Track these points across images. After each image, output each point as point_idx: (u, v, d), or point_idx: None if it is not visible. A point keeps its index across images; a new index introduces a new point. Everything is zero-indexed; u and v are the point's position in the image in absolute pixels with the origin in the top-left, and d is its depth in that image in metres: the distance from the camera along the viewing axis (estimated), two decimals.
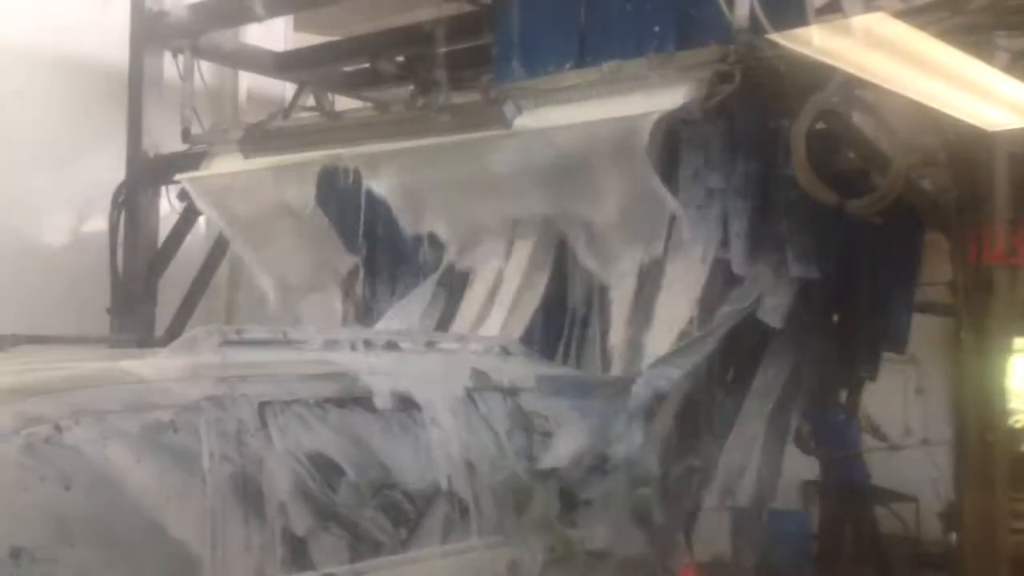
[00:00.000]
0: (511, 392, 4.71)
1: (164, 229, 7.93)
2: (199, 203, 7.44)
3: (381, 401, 4.10)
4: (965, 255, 5.09)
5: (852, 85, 4.77)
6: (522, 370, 4.97)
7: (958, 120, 4.64)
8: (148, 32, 7.84)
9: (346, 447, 3.87)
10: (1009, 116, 4.59)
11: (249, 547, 3.45)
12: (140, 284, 7.82)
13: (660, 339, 5.47)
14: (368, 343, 4.52)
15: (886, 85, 4.35)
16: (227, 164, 7.29)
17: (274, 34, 8.93)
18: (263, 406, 3.70)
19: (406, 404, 4.18)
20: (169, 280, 7.87)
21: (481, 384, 4.59)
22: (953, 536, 7.70)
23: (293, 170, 6.83)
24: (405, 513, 3.98)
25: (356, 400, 4.04)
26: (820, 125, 5.15)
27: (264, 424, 3.67)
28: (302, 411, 3.81)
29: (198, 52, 7.79)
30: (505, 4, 6.38)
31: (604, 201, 5.68)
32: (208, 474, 3.44)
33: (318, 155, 6.67)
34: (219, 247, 7.83)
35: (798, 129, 4.97)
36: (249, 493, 3.51)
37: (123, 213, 7.86)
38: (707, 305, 5.45)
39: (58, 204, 8.40)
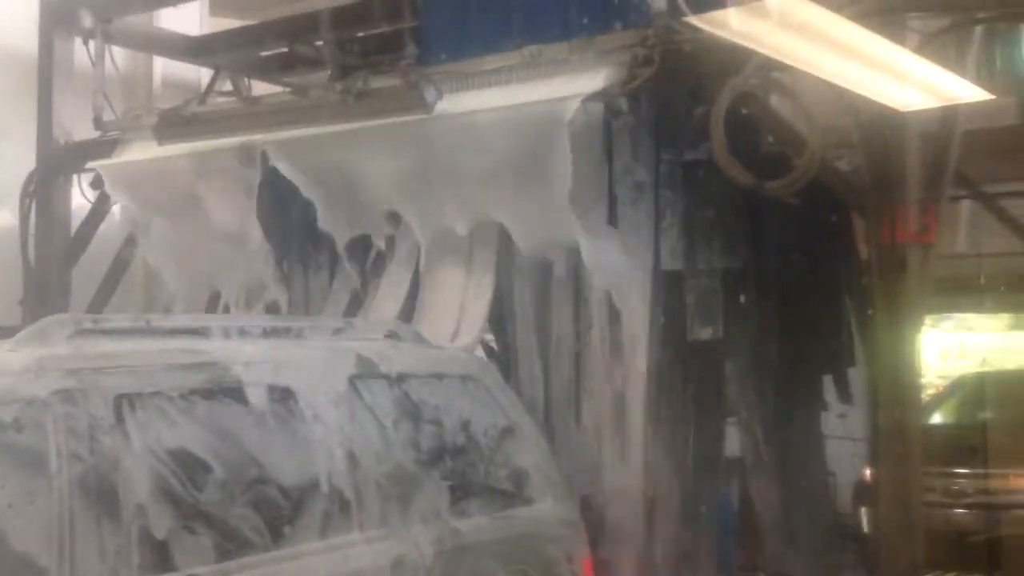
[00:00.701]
0: (398, 380, 4.51)
1: (77, 218, 7.76)
2: (112, 191, 7.29)
3: (253, 392, 3.89)
4: (879, 234, 5.17)
5: (769, 67, 4.83)
6: (412, 357, 4.78)
7: (871, 101, 4.72)
8: (57, 16, 7.66)
9: (213, 442, 3.66)
10: (921, 97, 4.68)
11: (103, 554, 3.23)
12: (53, 274, 7.66)
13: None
14: (243, 330, 4.33)
15: (802, 67, 4.40)
16: (141, 151, 7.16)
17: (189, 18, 8.75)
18: (119, 400, 3.46)
19: (282, 394, 3.98)
20: (83, 270, 7.70)
21: (366, 372, 4.39)
22: (863, 511, 7.92)
23: (209, 156, 6.72)
24: (279, 509, 3.78)
25: (225, 391, 3.81)
26: (744, 111, 5.20)
27: (120, 419, 3.43)
28: (164, 404, 3.58)
29: (110, 37, 7.61)
30: None
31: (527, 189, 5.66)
32: (56, 476, 3.20)
33: (235, 141, 6.57)
34: (134, 235, 7.66)
35: (716, 111, 5.02)
36: (103, 495, 3.29)
37: (34, 202, 7.68)
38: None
39: None
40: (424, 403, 4.56)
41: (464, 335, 5.87)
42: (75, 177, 7.71)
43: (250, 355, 4.06)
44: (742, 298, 5.73)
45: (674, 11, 5.11)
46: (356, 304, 6.44)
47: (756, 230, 5.75)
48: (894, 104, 4.75)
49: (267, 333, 4.45)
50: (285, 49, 8.03)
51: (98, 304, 7.51)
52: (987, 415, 8.79)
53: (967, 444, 7.97)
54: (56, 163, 7.69)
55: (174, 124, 6.82)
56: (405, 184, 6.05)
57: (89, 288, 7.59)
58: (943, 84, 4.58)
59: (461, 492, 4.51)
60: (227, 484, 3.64)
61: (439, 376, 4.75)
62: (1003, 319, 13.25)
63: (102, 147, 7.43)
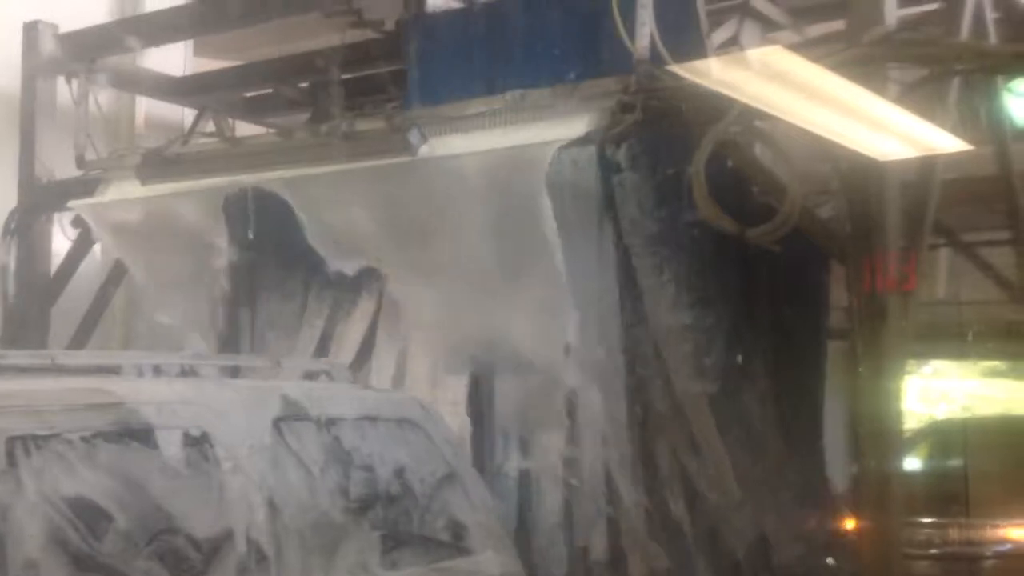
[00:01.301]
0: (328, 423, 4.26)
1: (57, 257, 7.73)
2: (95, 231, 7.26)
3: (164, 436, 3.63)
4: (859, 283, 5.19)
5: (750, 116, 4.86)
6: (345, 398, 4.56)
7: (851, 150, 4.75)
8: (40, 56, 7.67)
9: (117, 489, 3.41)
10: (900, 146, 4.72)
11: None
12: (32, 312, 7.61)
13: None
14: (158, 369, 4.12)
15: (782, 116, 4.44)
16: (124, 191, 7.14)
17: (173, 58, 8.78)
18: (11, 442, 3.22)
19: (196, 438, 3.73)
20: (62, 309, 7.66)
21: (292, 414, 4.14)
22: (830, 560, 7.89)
23: (192, 197, 6.71)
24: (188, 562, 3.54)
25: (133, 434, 3.56)
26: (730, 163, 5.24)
27: (13, 463, 3.20)
28: (63, 448, 3.33)
29: (93, 77, 7.62)
30: (413, 34, 6.38)
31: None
32: None
33: (218, 181, 6.56)
34: (115, 274, 7.64)
35: (697, 158, 5.04)
36: None
37: (15, 240, 7.64)
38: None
39: None
40: (355, 448, 4.30)
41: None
42: (56, 216, 7.68)
43: (163, 396, 3.81)
44: (737, 356, 5.74)
45: (656, 59, 5.16)
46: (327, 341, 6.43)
47: (748, 285, 5.77)
48: (874, 153, 4.78)
49: (185, 372, 4.24)
50: (269, 90, 8.07)
51: (78, 342, 7.46)
52: (957, 462, 8.68)
53: (936, 492, 7.81)
54: (38, 201, 7.67)
55: (157, 164, 6.81)
56: (384, 226, 6.05)
57: (69, 326, 7.54)
58: (922, 134, 4.63)
59: (393, 543, 4.27)
60: (130, 535, 3.39)
61: (373, 419, 4.50)
62: (982, 366, 13.30)
63: (84, 186, 7.41)
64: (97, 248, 7.64)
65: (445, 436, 4.82)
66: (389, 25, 6.84)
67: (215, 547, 3.62)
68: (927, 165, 5.18)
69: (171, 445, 3.65)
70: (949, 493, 7.80)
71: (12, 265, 7.67)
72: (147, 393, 3.80)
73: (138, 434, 3.59)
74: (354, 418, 4.40)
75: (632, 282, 5.65)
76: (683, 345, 5.59)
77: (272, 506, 3.84)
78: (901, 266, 5.13)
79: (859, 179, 5.09)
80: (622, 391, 5.61)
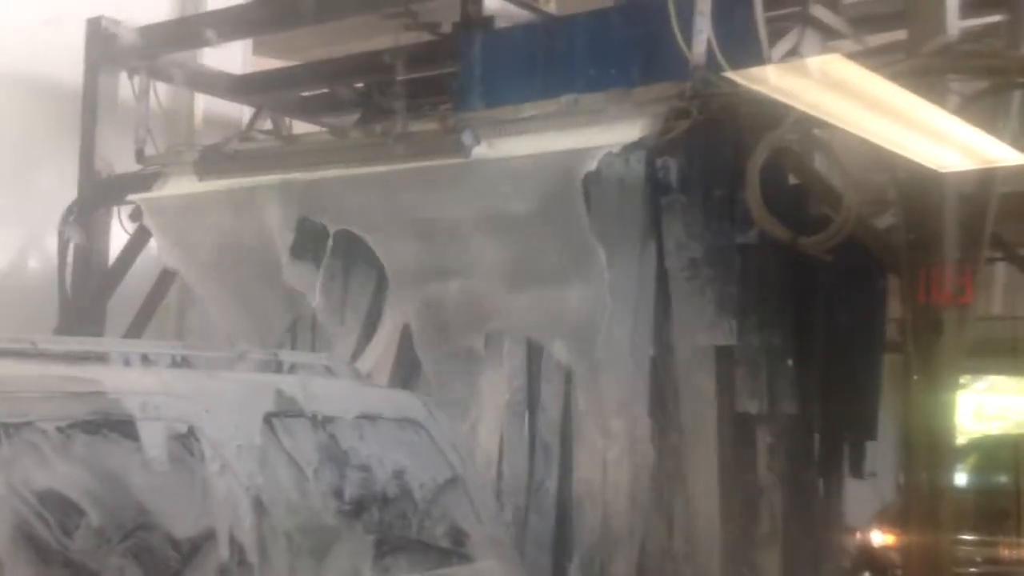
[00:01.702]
0: (324, 420, 4.06)
1: (115, 250, 7.84)
2: (150, 225, 7.36)
3: (147, 428, 3.44)
4: (914, 295, 5.13)
5: (807, 124, 4.82)
6: (344, 395, 4.35)
7: (909, 161, 4.70)
8: (103, 52, 7.79)
9: (92, 482, 3.23)
10: (959, 158, 4.66)
11: None
12: (88, 304, 7.72)
13: None
14: (146, 358, 3.93)
15: (840, 125, 4.40)
16: (181, 186, 7.23)
17: (232, 57, 8.88)
18: None
19: (181, 431, 3.56)
20: (119, 301, 7.76)
21: (285, 410, 3.95)
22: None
23: (248, 193, 6.79)
24: (165, 562, 3.35)
25: (113, 426, 3.37)
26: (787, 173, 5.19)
27: None
28: (36, 437, 3.16)
29: (154, 73, 7.74)
30: (469, 36, 6.40)
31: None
32: None
33: (273, 179, 6.62)
34: (171, 268, 7.74)
35: (752, 165, 5.01)
36: None
37: (73, 233, 7.76)
38: None
39: (8, 223, 8.27)
40: (352, 448, 4.11)
41: None
42: (115, 209, 7.79)
43: (148, 386, 3.61)
44: (787, 370, 5.66)
45: (713, 65, 5.13)
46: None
47: (802, 305, 5.74)
48: (932, 164, 4.73)
49: (176, 363, 4.05)
50: (325, 90, 8.14)
51: (133, 335, 7.55)
52: (1000, 479, 8.55)
53: (978, 509, 7.69)
54: (96, 195, 7.78)
55: (215, 160, 6.90)
56: (436, 226, 6.08)
57: (124, 320, 7.65)
58: (981, 146, 4.56)
59: (388, 547, 4.06)
60: (103, 531, 3.21)
61: (373, 418, 4.30)
62: None
63: (143, 180, 7.51)
64: (153, 242, 7.74)
65: (449, 438, 4.62)
66: (445, 28, 6.87)
67: (195, 547, 3.45)
68: (986, 177, 5.11)
69: (153, 438, 3.47)
70: (995, 510, 7.69)
71: (70, 258, 7.79)
72: (131, 383, 3.61)
73: (118, 425, 3.40)
74: (353, 416, 4.21)
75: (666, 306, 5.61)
76: (739, 366, 5.53)
77: (259, 506, 3.67)
78: (957, 279, 5.07)
79: (917, 190, 5.04)
80: (645, 410, 5.57)
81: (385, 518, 4.12)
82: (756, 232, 5.33)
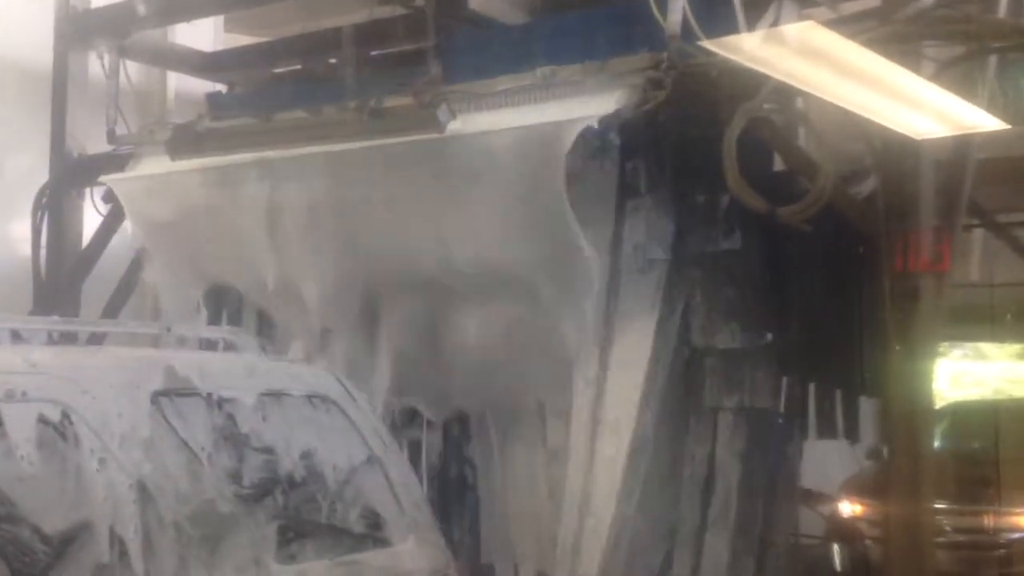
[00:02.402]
0: (220, 399, 3.79)
1: (88, 232, 7.77)
2: (125, 205, 7.29)
3: (13, 410, 3.17)
4: (892, 262, 5.14)
5: (783, 93, 4.80)
6: (246, 372, 4.10)
7: (886, 128, 4.69)
8: (72, 30, 7.69)
9: None
10: (935, 125, 4.65)
11: None
12: (63, 287, 7.65)
13: None
14: (17, 334, 3.66)
15: (816, 93, 4.38)
16: (154, 166, 7.15)
17: (203, 34, 8.78)
18: None
19: (54, 414, 3.28)
20: (93, 283, 7.70)
21: (176, 388, 3.68)
22: (835, 547, 7.82)
23: (221, 172, 6.72)
24: (32, 555, 3.11)
25: None
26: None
27: None
28: None
29: (124, 52, 7.64)
30: (447, 9, 6.35)
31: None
32: None
33: (247, 157, 6.56)
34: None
35: (728, 135, 5.00)
36: None
37: (46, 215, 7.69)
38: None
39: None
40: (253, 429, 3.85)
41: None
42: (87, 191, 7.71)
43: (14, 366, 3.34)
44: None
45: (688, 35, 5.10)
46: None
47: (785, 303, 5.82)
48: (909, 132, 4.72)
49: (53, 339, 3.79)
50: (298, 66, 8.06)
51: (108, 317, 7.49)
52: (973, 446, 8.50)
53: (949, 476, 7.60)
54: (69, 176, 7.71)
55: (187, 139, 6.81)
56: (412, 202, 6.04)
57: (100, 301, 7.59)
58: (958, 112, 4.55)
59: (293, 533, 3.84)
60: None
61: (277, 395, 4.05)
62: (1015, 348, 13.18)
63: (115, 161, 7.43)
64: (127, 223, 7.67)
65: (366, 416, 4.38)
66: (419, 1, 6.80)
67: (67, 540, 3.19)
68: (962, 144, 5.11)
69: (20, 422, 3.20)
70: (968, 477, 7.68)
71: (43, 240, 7.71)
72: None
73: None
74: (255, 394, 3.93)
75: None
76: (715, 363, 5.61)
77: (144, 494, 3.40)
78: (935, 246, 5.08)
79: (893, 158, 5.04)
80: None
81: (290, 502, 3.88)
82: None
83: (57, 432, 3.29)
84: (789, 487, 6.09)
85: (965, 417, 9.44)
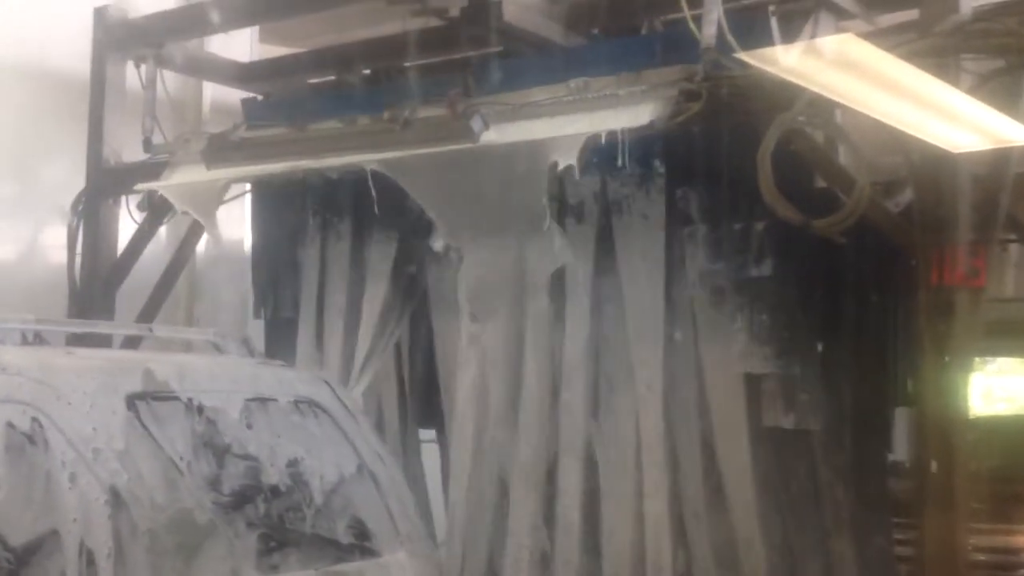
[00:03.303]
0: (200, 403, 3.68)
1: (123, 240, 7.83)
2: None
3: None
4: (927, 276, 5.10)
5: (819, 105, 4.78)
6: (230, 375, 4.00)
7: (923, 141, 4.66)
8: (110, 40, 7.76)
9: None
10: (973, 138, 4.62)
11: None
12: (98, 294, 7.71)
13: None
14: None
15: (853, 105, 4.36)
16: (189, 175, 7.20)
17: (239, 45, 8.85)
18: None
19: (23, 418, 3.17)
20: (128, 291, 7.76)
21: (153, 392, 3.57)
22: None
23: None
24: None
25: None
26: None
27: None
28: None
29: (161, 61, 7.71)
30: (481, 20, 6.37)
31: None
32: None
33: (281, 167, 6.60)
34: (180, 258, 7.75)
35: (764, 147, 4.98)
36: None
37: (82, 222, 7.75)
38: None
39: (15, 213, 8.27)
40: (236, 435, 3.75)
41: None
42: (123, 199, 7.78)
43: None
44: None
45: (723, 47, 5.09)
46: None
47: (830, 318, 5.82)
48: (946, 145, 4.69)
49: (27, 340, 3.68)
50: (333, 77, 8.09)
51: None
52: (995, 463, 8.40)
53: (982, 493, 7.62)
54: (105, 184, 7.77)
55: (223, 148, 6.87)
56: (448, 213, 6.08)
57: (134, 309, 7.64)
58: (996, 126, 4.52)
59: (275, 543, 3.73)
60: None
61: (262, 400, 3.94)
62: None
63: (151, 169, 7.48)
64: (163, 231, 7.73)
65: (358, 425, 4.28)
66: (453, 12, 6.82)
67: (32, 551, 3.08)
68: (1000, 158, 5.06)
69: None
70: (999, 494, 7.58)
71: (79, 247, 7.78)
72: None
73: None
74: (239, 399, 3.83)
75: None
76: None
77: (117, 502, 3.28)
78: (970, 261, 5.03)
79: (930, 171, 5.00)
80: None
81: (273, 511, 3.78)
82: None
83: (26, 437, 3.18)
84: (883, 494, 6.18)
85: (997, 432, 9.32)
